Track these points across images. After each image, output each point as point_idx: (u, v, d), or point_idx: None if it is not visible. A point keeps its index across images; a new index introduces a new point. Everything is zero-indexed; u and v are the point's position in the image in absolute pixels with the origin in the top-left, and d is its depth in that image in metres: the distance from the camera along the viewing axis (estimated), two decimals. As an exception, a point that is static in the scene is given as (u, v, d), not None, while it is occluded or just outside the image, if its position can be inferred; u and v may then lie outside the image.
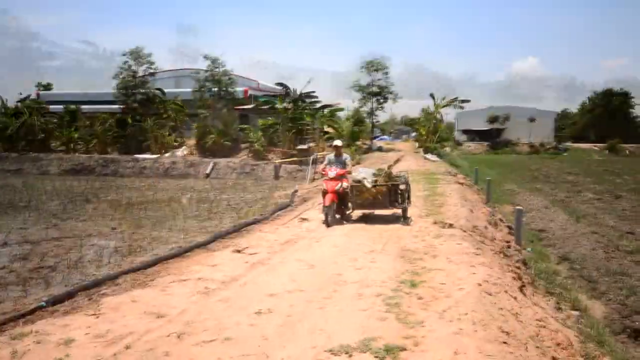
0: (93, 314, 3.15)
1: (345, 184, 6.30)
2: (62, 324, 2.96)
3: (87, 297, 3.60)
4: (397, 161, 17.71)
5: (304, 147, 18.67)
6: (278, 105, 19.47)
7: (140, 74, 19.77)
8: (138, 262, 4.97)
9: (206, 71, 19.85)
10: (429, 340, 2.64)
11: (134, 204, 10.32)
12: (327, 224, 6.15)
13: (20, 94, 22.14)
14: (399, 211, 6.46)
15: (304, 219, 7.05)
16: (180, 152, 19.38)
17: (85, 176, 16.99)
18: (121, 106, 20.28)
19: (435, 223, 6.41)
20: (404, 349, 2.54)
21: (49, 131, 19.82)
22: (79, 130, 20.11)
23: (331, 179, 6.29)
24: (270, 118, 19.90)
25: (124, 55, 19.56)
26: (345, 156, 6.91)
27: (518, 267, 5.38)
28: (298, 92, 20.15)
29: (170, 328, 2.84)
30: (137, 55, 19.51)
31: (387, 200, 6.19)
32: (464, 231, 6.08)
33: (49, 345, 2.59)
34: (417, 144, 26.53)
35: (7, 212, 9.00)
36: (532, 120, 38.03)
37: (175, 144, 19.79)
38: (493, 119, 38.60)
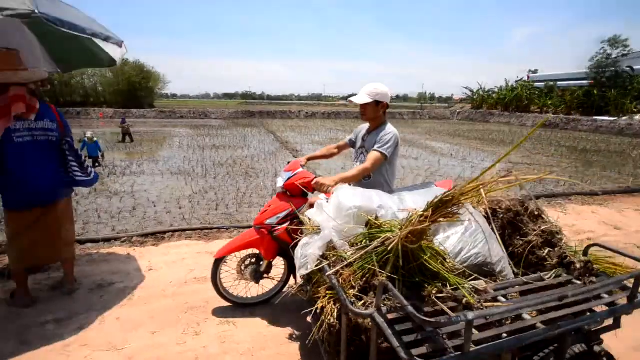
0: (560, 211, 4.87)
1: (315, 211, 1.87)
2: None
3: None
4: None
5: None
6: None
7: (614, 56, 25.07)
8: (589, 189, 6.13)
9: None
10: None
11: (587, 151, 12.26)
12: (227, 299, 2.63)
13: (517, 76, 35.56)
14: None
15: None
16: (639, 116, 23.04)
17: (551, 129, 23.85)
18: (589, 82, 26.98)
19: None
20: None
21: (530, 99, 30.47)
22: (552, 99, 29.52)
23: (281, 193, 2.43)
24: None
25: (601, 42, 25.80)
26: (388, 131, 2.38)
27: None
28: None
29: (624, 239, 3.93)
30: (614, 41, 25.00)
31: None
32: None
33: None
34: None
35: (500, 145, 13.20)
36: None
37: (635, 110, 23.57)
38: None
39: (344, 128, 19.94)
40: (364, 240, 1.52)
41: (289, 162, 2.59)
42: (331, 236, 1.58)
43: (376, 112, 2.43)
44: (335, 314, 1.46)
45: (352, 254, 1.46)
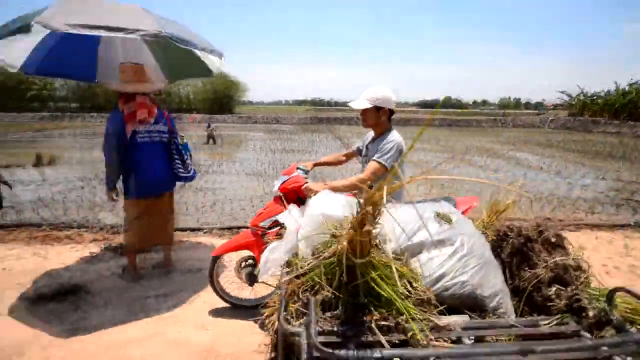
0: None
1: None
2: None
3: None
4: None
5: None
6: None
7: None
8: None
9: None
10: None
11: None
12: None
13: (631, 79, 30.41)
14: None
15: None
16: None
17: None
18: None
19: None
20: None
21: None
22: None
23: (277, 197, 2.42)
24: None
25: None
26: (390, 139, 2.27)
27: None
28: None
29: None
30: None
31: None
32: None
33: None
34: None
35: (606, 160, 11.51)
36: None
37: None
38: None
39: (412, 135, 19.33)
40: (325, 250, 1.33)
41: (289, 165, 2.47)
42: (295, 241, 1.45)
43: (377, 119, 2.31)
44: (275, 327, 1.30)
45: (307, 263, 1.29)
